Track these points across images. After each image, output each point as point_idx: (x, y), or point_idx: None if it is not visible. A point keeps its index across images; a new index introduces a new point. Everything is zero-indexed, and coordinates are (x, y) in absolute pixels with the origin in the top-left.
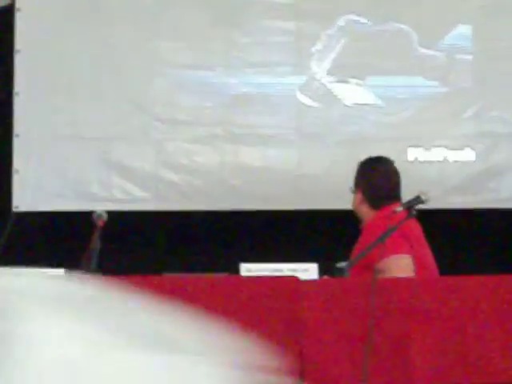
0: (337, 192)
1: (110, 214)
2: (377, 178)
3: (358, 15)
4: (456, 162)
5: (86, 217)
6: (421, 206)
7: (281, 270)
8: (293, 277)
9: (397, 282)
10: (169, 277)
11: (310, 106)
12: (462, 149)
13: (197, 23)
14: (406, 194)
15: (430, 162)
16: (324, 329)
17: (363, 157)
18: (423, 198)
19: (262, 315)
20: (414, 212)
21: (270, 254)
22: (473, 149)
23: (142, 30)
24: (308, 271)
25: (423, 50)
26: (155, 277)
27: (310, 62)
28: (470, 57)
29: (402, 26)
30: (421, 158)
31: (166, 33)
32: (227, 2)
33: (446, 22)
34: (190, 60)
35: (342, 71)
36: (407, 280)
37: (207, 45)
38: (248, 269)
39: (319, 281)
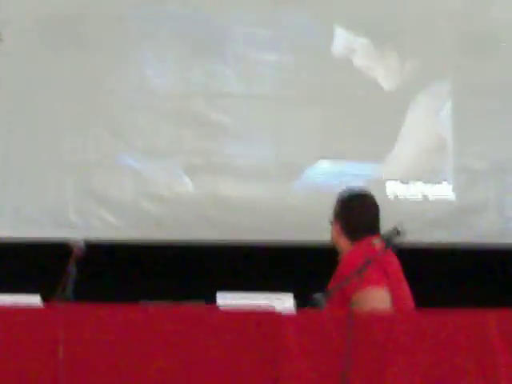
0: (315, 224)
1: (87, 242)
2: (355, 210)
3: None
4: (434, 197)
5: (63, 244)
6: (397, 242)
7: (256, 300)
8: (270, 309)
9: (373, 315)
10: (145, 306)
11: (290, 138)
12: (440, 184)
13: (177, 52)
14: (384, 230)
15: (409, 198)
16: (299, 362)
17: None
18: (400, 230)
19: (237, 347)
20: (392, 244)
21: (246, 285)
22: (451, 184)
23: (123, 59)
24: (284, 302)
25: None
26: (130, 306)
27: (290, 93)
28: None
29: None
30: (399, 193)
31: (147, 62)
32: (208, 33)
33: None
34: (170, 89)
35: None
36: (384, 313)
37: (187, 74)
38: (224, 298)
39: (296, 314)
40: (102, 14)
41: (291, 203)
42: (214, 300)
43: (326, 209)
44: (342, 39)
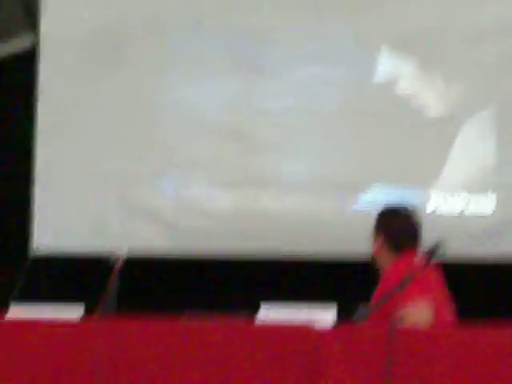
0: (355, 239)
1: (129, 256)
2: (397, 224)
3: None
4: (475, 212)
5: (105, 257)
6: (439, 257)
7: (299, 309)
8: (310, 325)
9: (415, 331)
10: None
11: (328, 154)
12: (482, 199)
13: (217, 68)
14: (425, 244)
15: (449, 212)
16: (340, 378)
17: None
18: (443, 245)
19: (277, 363)
20: (434, 259)
21: (287, 298)
22: (492, 200)
23: (162, 73)
24: (326, 314)
25: None
26: (174, 319)
27: (331, 108)
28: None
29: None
30: (440, 208)
31: (187, 77)
32: (248, 48)
33: None
34: (210, 104)
35: None
36: (426, 329)
37: (227, 89)
38: (265, 311)
39: (337, 328)
40: (141, 30)
41: (331, 218)
42: (254, 313)
43: (367, 224)
44: (387, 60)
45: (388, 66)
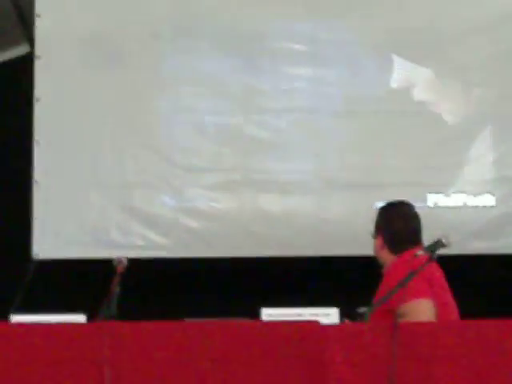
0: (357, 237)
1: (130, 260)
2: (397, 222)
3: None
4: (476, 207)
5: (105, 263)
6: (440, 252)
7: (302, 315)
8: (314, 321)
9: (418, 326)
10: (190, 323)
11: (328, 152)
12: (482, 194)
13: (214, 68)
14: (426, 240)
15: (450, 208)
16: (345, 374)
17: (382, 202)
18: (444, 241)
19: (283, 360)
20: (435, 256)
21: (290, 300)
22: (493, 194)
23: (162, 77)
24: (329, 316)
25: None
26: (176, 323)
27: (329, 107)
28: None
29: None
30: (440, 204)
31: (185, 79)
32: (247, 49)
33: None
34: (209, 106)
35: None
36: (429, 325)
37: (225, 90)
38: (269, 314)
39: (340, 325)
40: (138, 31)
41: (332, 217)
42: (258, 316)
43: (367, 222)
44: (400, 66)
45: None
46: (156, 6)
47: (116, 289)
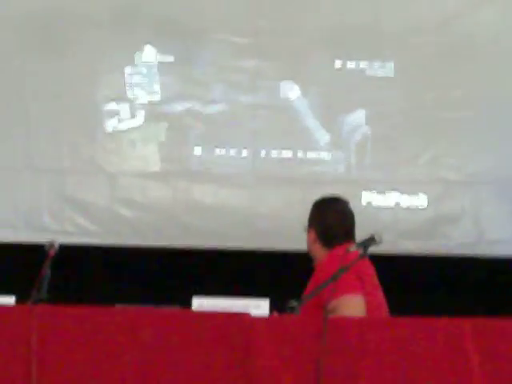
0: (290, 232)
1: (64, 246)
2: (330, 217)
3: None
4: (409, 207)
5: (36, 248)
6: (372, 251)
7: (233, 306)
8: (244, 313)
9: (347, 321)
10: (120, 308)
11: (265, 145)
12: (415, 194)
13: (153, 58)
14: (358, 238)
15: (384, 207)
16: (273, 365)
17: (317, 197)
18: (377, 238)
19: (211, 351)
20: (367, 252)
21: (221, 291)
22: (426, 194)
23: (99, 64)
24: (260, 307)
25: None
26: (105, 308)
27: (267, 101)
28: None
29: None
30: (374, 203)
31: (123, 67)
32: (186, 38)
33: None
34: (146, 95)
35: None
36: (358, 320)
37: (164, 80)
38: (200, 303)
39: (271, 318)
40: (77, 18)
41: (266, 211)
42: (189, 305)
43: (300, 217)
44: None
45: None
46: None
47: (46, 272)
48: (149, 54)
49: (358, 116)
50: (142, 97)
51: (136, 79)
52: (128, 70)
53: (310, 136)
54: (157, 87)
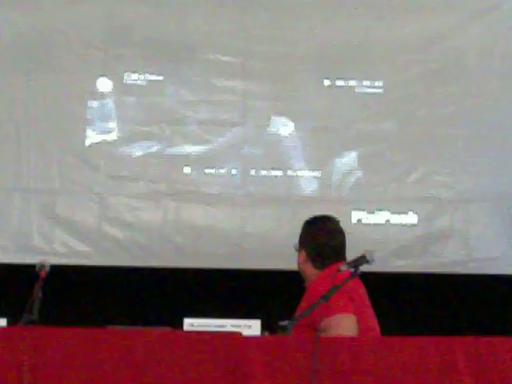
0: (280, 252)
1: (54, 266)
2: (321, 237)
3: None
4: (399, 225)
5: (27, 269)
6: (362, 269)
7: (224, 326)
8: (235, 333)
9: (339, 341)
10: (112, 329)
11: (255, 165)
12: (404, 213)
13: (142, 77)
14: (349, 257)
15: (374, 225)
16: None
17: (307, 217)
18: (368, 257)
19: (203, 370)
20: (359, 271)
21: (213, 311)
22: (415, 213)
23: (90, 84)
24: (251, 328)
25: None
26: (97, 329)
27: (256, 121)
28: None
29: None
30: (364, 221)
31: (113, 87)
32: (176, 58)
33: None
34: (134, 115)
35: None
36: (350, 340)
37: (153, 100)
38: (191, 323)
39: (262, 338)
40: (69, 38)
41: (256, 231)
42: (180, 325)
43: (290, 236)
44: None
45: None
46: (87, 15)
47: (38, 293)
48: (138, 74)
49: (348, 134)
50: (131, 117)
51: (125, 99)
52: (116, 89)
53: (299, 156)
54: (144, 106)
